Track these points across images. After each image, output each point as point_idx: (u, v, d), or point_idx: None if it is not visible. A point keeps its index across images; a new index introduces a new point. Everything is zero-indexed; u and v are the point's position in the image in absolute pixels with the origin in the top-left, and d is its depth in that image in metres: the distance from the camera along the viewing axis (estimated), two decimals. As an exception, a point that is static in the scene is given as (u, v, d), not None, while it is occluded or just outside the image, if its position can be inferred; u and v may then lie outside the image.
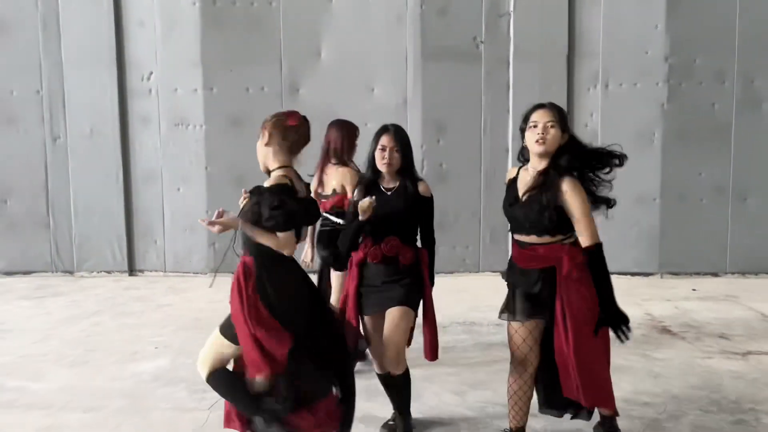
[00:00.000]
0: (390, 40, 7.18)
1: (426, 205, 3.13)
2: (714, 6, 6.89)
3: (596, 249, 2.69)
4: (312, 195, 3.49)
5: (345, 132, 4.26)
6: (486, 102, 7.12)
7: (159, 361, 4.45)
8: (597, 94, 7.08)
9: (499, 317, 2.91)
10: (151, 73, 7.39)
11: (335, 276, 4.06)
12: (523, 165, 2.89)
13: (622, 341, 2.69)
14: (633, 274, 7.09)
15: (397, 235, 3.06)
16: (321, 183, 4.18)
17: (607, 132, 7.06)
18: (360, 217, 3.01)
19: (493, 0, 7.08)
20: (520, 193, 2.79)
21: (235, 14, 7.26)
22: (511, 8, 7.06)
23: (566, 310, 2.67)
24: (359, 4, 7.17)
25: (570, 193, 2.69)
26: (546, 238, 2.74)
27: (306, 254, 4.34)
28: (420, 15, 7.12)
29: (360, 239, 3.14)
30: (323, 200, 4.13)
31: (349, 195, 4.00)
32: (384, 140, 3.09)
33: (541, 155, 2.75)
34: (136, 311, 5.90)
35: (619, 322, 2.68)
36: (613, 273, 7.12)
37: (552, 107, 2.80)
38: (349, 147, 4.23)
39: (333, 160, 4.18)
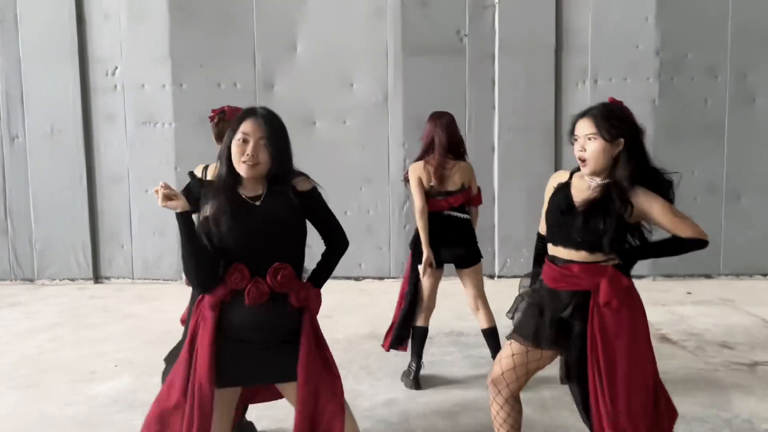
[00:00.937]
0: (370, 34, 6.83)
1: (311, 200, 2.24)
2: (706, -2, 6.65)
3: (700, 242, 2.35)
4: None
5: (453, 123, 3.91)
6: (470, 98, 6.80)
7: (119, 381, 4.05)
8: (586, 90, 6.80)
9: (511, 335, 2.55)
10: (116, 68, 6.96)
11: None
12: (577, 170, 2.47)
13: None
14: (624, 276, 6.81)
15: (287, 261, 2.14)
16: (442, 179, 3.80)
17: (596, 129, 6.77)
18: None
19: (478, -9, 6.77)
20: (577, 201, 2.38)
21: (205, 6, 6.87)
22: (496, 0, 6.75)
23: (599, 344, 2.28)
24: (337, -4, 6.82)
25: (644, 200, 2.32)
26: (584, 255, 2.35)
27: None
28: (401, 7, 6.78)
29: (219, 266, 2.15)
30: (448, 196, 3.82)
31: (474, 190, 3.91)
32: (247, 127, 2.13)
33: (588, 174, 2.36)
34: (99, 323, 5.48)
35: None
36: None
37: (595, 115, 2.35)
38: (460, 139, 3.93)
39: (450, 155, 3.84)
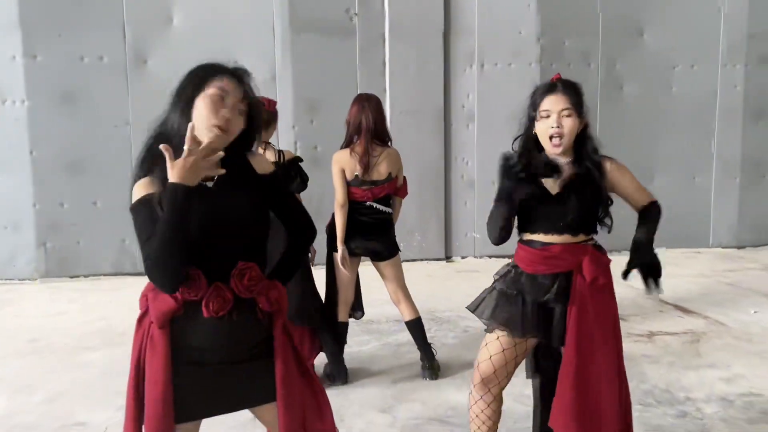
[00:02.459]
0: (254, 7, 6.41)
1: (273, 185, 1.88)
2: (580, -12, 6.97)
3: (659, 207, 2.45)
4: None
5: (380, 106, 3.62)
6: (361, 80, 6.63)
7: (-10, 403, 3.43)
8: (473, 74, 6.88)
9: (485, 327, 2.40)
10: (-48, 35, 5.95)
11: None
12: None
13: (649, 292, 2.42)
14: (510, 256, 7.01)
15: (251, 259, 1.74)
16: (367, 167, 3.47)
17: (483, 113, 6.91)
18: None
19: (367, -31, 6.58)
20: (550, 187, 2.27)
21: (63, -33, 6.06)
22: (385, -20, 6.61)
23: (582, 326, 2.22)
24: (217, -35, 6.31)
25: (615, 169, 2.34)
26: (567, 237, 2.28)
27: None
28: (287, -19, 6.43)
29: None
30: (373, 187, 3.52)
31: (400, 180, 3.67)
32: (226, 84, 1.74)
33: (560, 153, 2.25)
34: (-54, 334, 4.66)
35: (654, 270, 2.38)
36: (492, 256, 7.02)
37: (567, 89, 2.25)
38: (385, 124, 3.65)
39: (376, 141, 3.52)
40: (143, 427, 1.71)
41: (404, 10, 6.64)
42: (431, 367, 3.67)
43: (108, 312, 5.16)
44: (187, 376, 1.70)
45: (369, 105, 3.56)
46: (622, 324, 4.51)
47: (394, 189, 3.66)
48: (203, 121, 1.67)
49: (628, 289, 5.57)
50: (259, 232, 1.79)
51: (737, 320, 4.71)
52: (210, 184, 1.73)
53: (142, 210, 1.68)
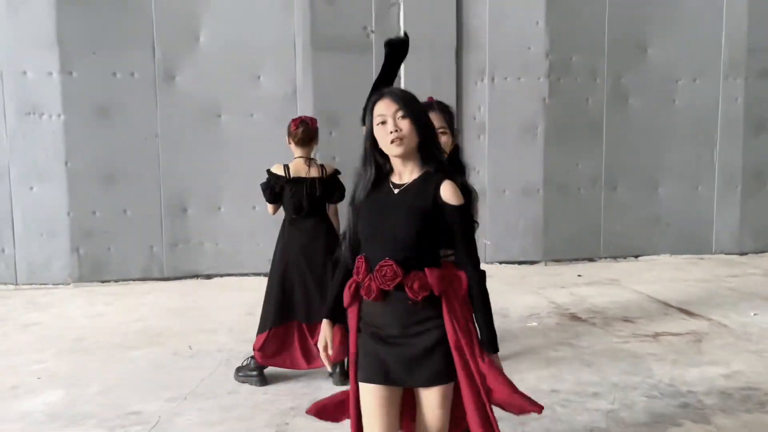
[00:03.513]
0: (277, 26, 6.75)
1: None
2: (587, 7, 7.28)
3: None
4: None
5: None
6: (378, 94, 6.94)
7: (50, 395, 3.74)
8: (484, 88, 7.20)
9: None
10: (-6, 52, 6.31)
11: None
12: None
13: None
14: (520, 262, 7.34)
15: (398, 257, 2.03)
16: None
17: (494, 125, 7.22)
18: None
19: (383, -11, 6.92)
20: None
21: (98, -11, 6.41)
22: (401, -1, 6.95)
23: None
24: (243, -15, 6.66)
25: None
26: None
27: None
28: (309, 1, 6.76)
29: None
30: None
31: None
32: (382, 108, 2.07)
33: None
34: (-5, 334, 4.98)
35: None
36: (502, 262, 7.34)
37: (441, 110, 2.48)
38: None
39: None
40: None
41: (418, 27, 6.95)
42: None
43: (143, 314, 5.47)
44: (367, 344, 2.11)
45: None
46: (630, 325, 4.86)
47: None
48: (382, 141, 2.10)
49: (634, 294, 5.91)
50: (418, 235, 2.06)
51: (738, 322, 4.99)
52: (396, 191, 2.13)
53: None
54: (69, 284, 6.54)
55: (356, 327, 2.16)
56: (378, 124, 2.07)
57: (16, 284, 6.53)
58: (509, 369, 3.83)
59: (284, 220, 3.94)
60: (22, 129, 6.40)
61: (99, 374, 4.06)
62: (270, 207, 4.00)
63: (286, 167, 3.89)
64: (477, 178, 7.28)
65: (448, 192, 2.05)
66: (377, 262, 2.04)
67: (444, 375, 2.05)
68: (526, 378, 3.81)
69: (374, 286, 2.04)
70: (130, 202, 6.65)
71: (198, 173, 6.73)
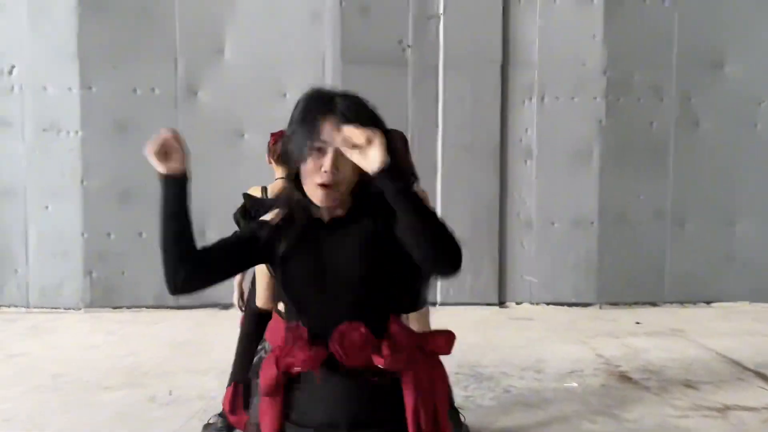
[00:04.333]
0: (305, 40, 6.29)
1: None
2: (652, 18, 6.48)
3: None
4: None
5: (404, 143, 3.33)
6: (413, 113, 6.36)
7: (-8, 445, 3.29)
8: (532, 108, 6.48)
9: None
10: (14, 67, 6.14)
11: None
12: None
13: None
14: (570, 304, 6.51)
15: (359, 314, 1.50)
16: None
17: (543, 150, 6.49)
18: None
19: (422, 1, 6.35)
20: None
21: (121, 1, 6.15)
22: (441, 10, 6.36)
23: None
24: (269, -3, 6.26)
25: None
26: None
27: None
28: (340, 12, 6.28)
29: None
30: None
31: None
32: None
33: None
34: (-22, 364, 4.63)
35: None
36: (550, 303, 6.55)
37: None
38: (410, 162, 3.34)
39: None
40: None
41: (460, 41, 6.36)
42: None
43: (139, 347, 5.03)
44: None
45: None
46: (691, 393, 4.01)
47: None
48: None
49: (701, 350, 5.00)
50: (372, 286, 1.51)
51: (831, 394, 4.05)
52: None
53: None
54: (80, 309, 6.22)
55: (278, 426, 1.52)
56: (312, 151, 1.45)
57: (28, 307, 6.26)
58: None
59: None
60: (40, 146, 6.18)
61: (59, 420, 3.60)
62: None
63: (264, 189, 3.33)
64: (523, 208, 6.55)
65: None
66: (329, 327, 1.45)
67: None
68: None
69: (313, 359, 1.45)
70: (146, 224, 6.26)
71: (218, 195, 6.24)
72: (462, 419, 3.31)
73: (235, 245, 1.57)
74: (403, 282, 1.57)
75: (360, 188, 1.50)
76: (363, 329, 1.44)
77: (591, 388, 4.14)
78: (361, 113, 1.46)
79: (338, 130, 1.37)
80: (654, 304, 6.58)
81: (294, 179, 1.52)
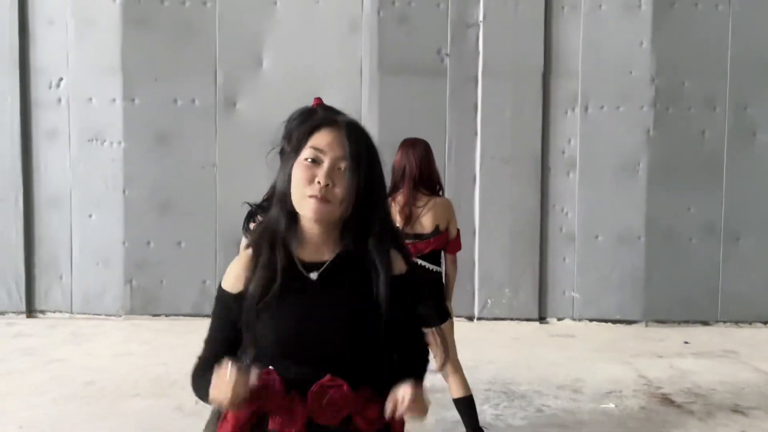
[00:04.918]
0: (342, 50, 6.27)
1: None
2: (704, 24, 6.19)
3: None
4: None
5: (428, 152, 3.27)
6: (451, 123, 6.24)
7: (15, 451, 3.32)
8: (576, 118, 6.27)
9: None
10: (61, 79, 6.30)
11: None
12: None
13: None
14: (615, 321, 6.23)
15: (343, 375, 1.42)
16: (409, 219, 3.12)
17: (587, 161, 6.26)
18: None
19: (461, 8, 6.25)
20: None
21: (162, 14, 6.26)
22: (481, 18, 6.24)
23: None
24: (307, 8, 6.26)
25: None
26: None
27: None
28: (377, 22, 6.24)
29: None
30: (417, 241, 3.12)
31: (452, 233, 3.22)
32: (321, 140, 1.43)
33: None
34: (15, 370, 4.72)
35: None
36: (591, 320, 6.30)
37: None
38: (436, 171, 3.31)
39: (422, 189, 3.18)
40: None
41: (500, 49, 6.22)
42: None
43: (171, 357, 5.03)
44: None
45: (414, 150, 3.18)
46: (740, 419, 3.75)
47: (443, 244, 3.21)
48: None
49: (755, 373, 4.69)
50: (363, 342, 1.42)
51: None
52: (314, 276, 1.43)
53: (217, 304, 1.53)
54: (120, 317, 6.32)
55: None
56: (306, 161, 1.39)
57: (71, 313, 6.39)
58: None
59: None
60: (84, 156, 6.32)
61: (84, 428, 3.61)
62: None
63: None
64: (565, 222, 6.34)
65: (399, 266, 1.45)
66: (307, 381, 1.36)
67: None
68: None
69: (303, 419, 1.35)
70: (184, 234, 6.35)
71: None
72: (486, 440, 3.16)
73: (230, 334, 1.49)
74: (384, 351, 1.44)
75: (349, 227, 1.41)
76: (345, 387, 1.34)
77: (630, 411, 3.92)
78: (362, 135, 1.43)
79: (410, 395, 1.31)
80: (705, 324, 6.24)
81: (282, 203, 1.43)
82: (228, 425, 1.42)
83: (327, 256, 1.43)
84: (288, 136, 1.80)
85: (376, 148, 1.45)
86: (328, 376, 1.35)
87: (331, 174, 1.37)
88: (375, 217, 1.42)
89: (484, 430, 3.21)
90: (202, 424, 3.64)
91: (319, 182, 1.36)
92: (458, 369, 3.25)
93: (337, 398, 1.34)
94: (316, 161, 1.38)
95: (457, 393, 3.21)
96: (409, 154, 3.19)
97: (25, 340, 5.52)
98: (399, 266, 1.45)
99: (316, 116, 1.73)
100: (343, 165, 1.38)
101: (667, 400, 4.14)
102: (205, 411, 3.77)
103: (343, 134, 1.40)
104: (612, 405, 4.02)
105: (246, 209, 2.55)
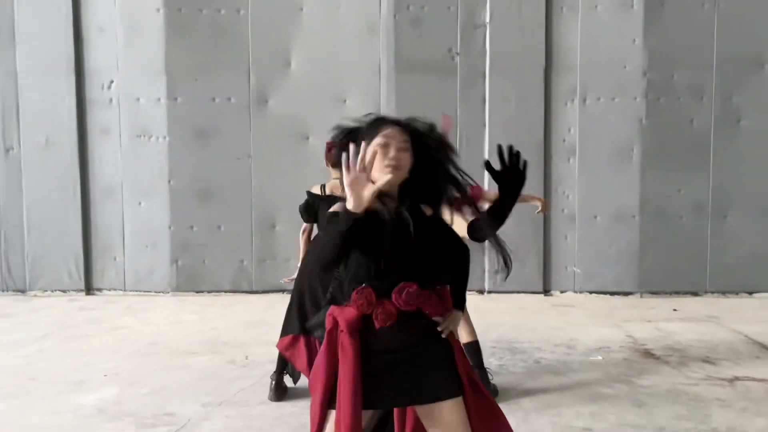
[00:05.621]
0: (362, 51, 6.94)
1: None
2: (692, 20, 6.78)
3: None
4: None
5: None
6: (461, 115, 6.90)
7: (106, 392, 4.07)
8: (575, 109, 6.91)
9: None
10: (112, 81, 7.05)
11: None
12: None
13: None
14: (612, 293, 6.89)
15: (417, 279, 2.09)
16: None
17: (585, 148, 6.89)
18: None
19: (469, 11, 6.89)
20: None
21: (201, 21, 6.98)
22: (488, 20, 6.88)
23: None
24: (330, 14, 6.94)
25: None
26: None
27: None
28: (393, 25, 6.90)
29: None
30: None
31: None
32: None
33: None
34: (88, 334, 5.50)
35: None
36: (591, 292, 6.95)
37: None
38: None
39: None
40: (333, 416, 2.05)
41: (505, 47, 6.85)
42: None
43: (219, 324, 5.79)
44: (373, 373, 2.03)
45: None
46: (708, 367, 4.40)
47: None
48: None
49: (731, 333, 5.32)
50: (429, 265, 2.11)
51: None
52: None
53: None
54: (167, 293, 7.08)
55: (354, 357, 2.06)
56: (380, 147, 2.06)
57: (125, 290, 7.18)
58: (550, 402, 3.67)
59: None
60: (133, 150, 7.07)
61: (155, 377, 4.35)
62: (305, 225, 4.12)
63: (323, 187, 3.98)
64: (566, 203, 6.98)
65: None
66: (392, 288, 2.04)
67: (455, 387, 2.06)
68: (563, 413, 3.58)
69: (393, 310, 2.03)
70: (224, 219, 7.09)
71: (286, 192, 7.00)
72: (490, 377, 3.85)
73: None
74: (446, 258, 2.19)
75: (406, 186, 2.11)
76: (415, 287, 2.04)
77: (614, 361, 4.59)
78: (417, 121, 2.18)
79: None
80: (695, 294, 6.87)
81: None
82: (344, 336, 2.04)
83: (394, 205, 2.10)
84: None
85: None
86: (403, 282, 2.02)
87: (396, 152, 2.04)
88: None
89: (488, 370, 3.89)
90: (252, 374, 4.37)
91: (391, 157, 2.03)
92: (468, 320, 3.93)
93: (413, 292, 2.03)
94: (386, 146, 2.05)
95: (466, 339, 3.89)
96: None
97: (89, 313, 6.30)
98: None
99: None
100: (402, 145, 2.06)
101: (648, 354, 4.81)
102: (253, 366, 4.51)
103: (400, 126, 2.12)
104: (600, 357, 4.69)
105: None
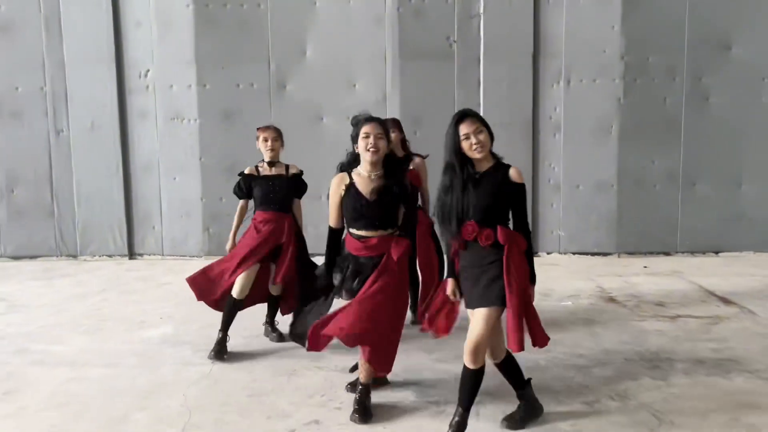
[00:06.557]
0: (370, 40, 7.77)
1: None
2: (666, 8, 7.54)
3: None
4: None
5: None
6: (458, 97, 7.74)
7: (164, 329, 5.05)
8: (560, 90, 7.72)
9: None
10: (148, 70, 7.93)
11: None
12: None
13: None
14: (593, 254, 7.77)
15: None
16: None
17: (569, 124, 7.72)
18: None
19: (465, 2, 7.69)
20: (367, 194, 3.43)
21: (226, 16, 7.83)
22: (482, 10, 7.67)
23: (378, 280, 3.48)
24: (341, 7, 7.76)
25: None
26: (380, 232, 3.49)
27: None
28: (397, 17, 7.72)
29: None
30: None
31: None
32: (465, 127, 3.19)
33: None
34: (138, 289, 6.49)
35: None
36: (574, 253, 7.82)
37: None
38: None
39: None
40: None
41: (497, 35, 7.66)
42: None
43: (248, 280, 6.74)
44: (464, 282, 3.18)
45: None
46: (658, 308, 5.28)
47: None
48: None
49: (688, 284, 6.19)
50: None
51: (772, 311, 5.21)
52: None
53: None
54: (201, 257, 8.05)
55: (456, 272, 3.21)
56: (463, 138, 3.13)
57: (162, 255, 8.15)
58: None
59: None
60: (168, 131, 7.99)
61: (202, 317, 5.30)
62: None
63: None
64: (552, 174, 7.83)
65: (515, 175, 3.22)
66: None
67: (498, 299, 3.01)
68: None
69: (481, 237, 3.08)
70: (248, 191, 8.00)
71: (303, 167, 7.87)
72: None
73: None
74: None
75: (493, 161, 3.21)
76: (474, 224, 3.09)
77: (581, 306, 5.50)
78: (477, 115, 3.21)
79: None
80: (667, 254, 7.74)
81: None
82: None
83: (486, 166, 3.34)
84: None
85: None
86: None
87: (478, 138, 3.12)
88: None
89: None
90: (284, 324, 5.31)
91: (475, 143, 3.15)
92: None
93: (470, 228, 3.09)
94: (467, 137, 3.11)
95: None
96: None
97: (136, 273, 7.29)
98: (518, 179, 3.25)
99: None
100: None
101: (610, 300, 5.70)
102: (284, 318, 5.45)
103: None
104: (569, 303, 5.60)
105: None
